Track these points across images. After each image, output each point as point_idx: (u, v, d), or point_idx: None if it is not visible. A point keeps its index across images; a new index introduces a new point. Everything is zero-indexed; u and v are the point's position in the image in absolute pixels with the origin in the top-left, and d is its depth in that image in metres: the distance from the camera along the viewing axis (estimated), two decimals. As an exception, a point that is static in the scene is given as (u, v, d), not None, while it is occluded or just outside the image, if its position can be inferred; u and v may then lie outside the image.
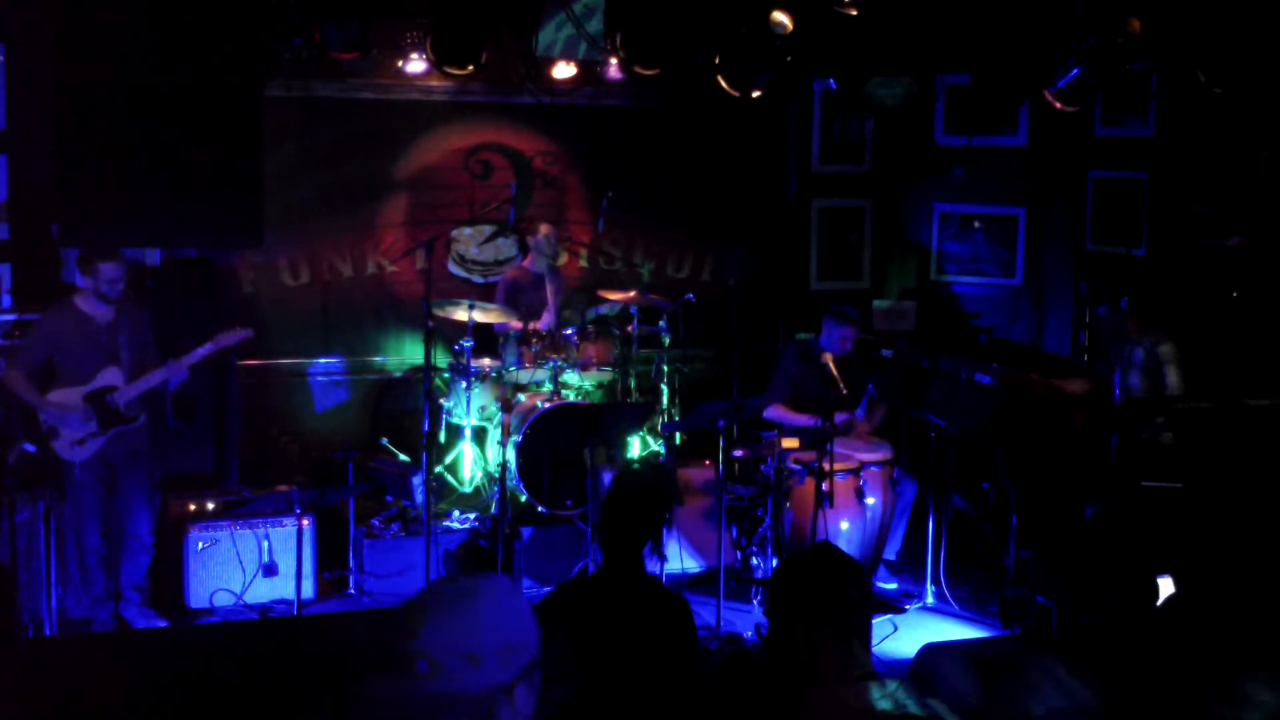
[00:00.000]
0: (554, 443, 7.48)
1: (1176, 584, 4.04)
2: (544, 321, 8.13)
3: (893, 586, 7.37)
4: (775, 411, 7.48)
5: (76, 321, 6.34)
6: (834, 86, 7.55)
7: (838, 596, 2.84)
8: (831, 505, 6.70)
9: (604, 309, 8.56)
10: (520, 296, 8.29)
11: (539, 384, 7.97)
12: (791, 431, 7.20)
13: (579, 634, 3.58)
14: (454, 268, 8.99)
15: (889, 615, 6.91)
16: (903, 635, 6.65)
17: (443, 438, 8.02)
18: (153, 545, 6.65)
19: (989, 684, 2.52)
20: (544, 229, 8.41)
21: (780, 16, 6.43)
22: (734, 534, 7.35)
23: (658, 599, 3.90)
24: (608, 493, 3.99)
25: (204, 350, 6.50)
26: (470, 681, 2.24)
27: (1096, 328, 7.51)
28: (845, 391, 7.00)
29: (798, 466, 6.93)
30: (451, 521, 7.52)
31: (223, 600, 6.85)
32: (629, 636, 3.69)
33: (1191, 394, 7.18)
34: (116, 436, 6.36)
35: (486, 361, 7.97)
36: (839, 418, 7.12)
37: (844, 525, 6.91)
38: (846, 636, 2.80)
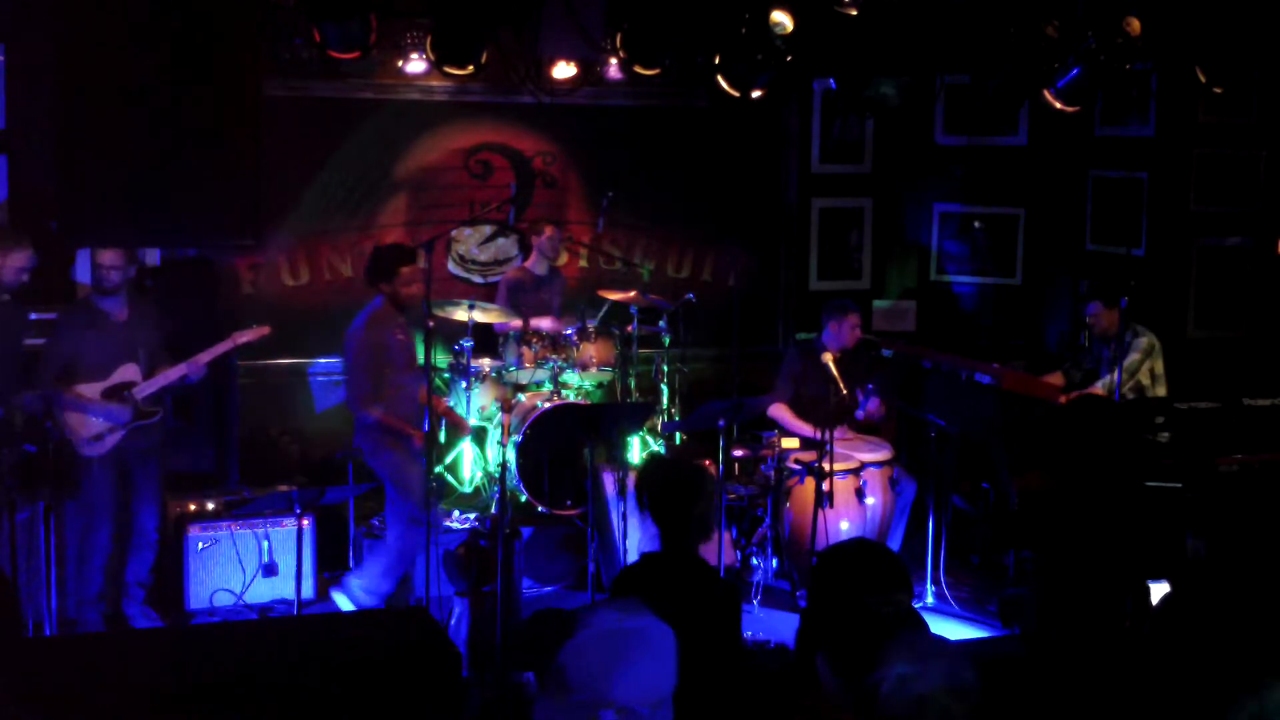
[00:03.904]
0: (554, 443, 7.48)
1: (1172, 586, 4.03)
2: (547, 323, 8.12)
3: (893, 586, 7.36)
4: (778, 412, 7.48)
5: (93, 318, 6.38)
6: (834, 86, 7.55)
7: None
8: (831, 505, 6.70)
9: (603, 312, 8.54)
10: (521, 297, 8.28)
11: (539, 384, 7.97)
12: (791, 432, 7.20)
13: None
14: (454, 268, 8.99)
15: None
16: (902, 635, 6.64)
17: (443, 438, 8.01)
18: (158, 542, 6.66)
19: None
20: (549, 230, 8.40)
21: (780, 16, 6.43)
22: (734, 534, 7.34)
23: (705, 582, 4.06)
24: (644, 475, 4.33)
25: (223, 346, 6.55)
26: None
27: (1087, 326, 7.53)
28: (845, 391, 7.00)
29: (798, 466, 6.93)
30: (451, 521, 7.52)
31: (223, 600, 6.85)
32: (672, 615, 3.80)
33: (1189, 393, 7.19)
34: (134, 432, 6.37)
35: (486, 361, 7.97)
36: (839, 434, 7.13)
37: (844, 525, 6.91)
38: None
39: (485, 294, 8.65)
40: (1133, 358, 7.24)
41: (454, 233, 8.89)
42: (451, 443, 8.02)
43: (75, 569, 6.48)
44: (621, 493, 6.74)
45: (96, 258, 6.36)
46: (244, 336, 6.63)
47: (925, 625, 2.94)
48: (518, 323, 7.97)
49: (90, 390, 6.30)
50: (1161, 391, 7.32)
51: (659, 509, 4.15)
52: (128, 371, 6.37)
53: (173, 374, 6.43)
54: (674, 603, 3.85)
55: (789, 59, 6.66)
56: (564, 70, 7.57)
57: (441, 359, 8.12)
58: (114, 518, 6.47)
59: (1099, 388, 7.29)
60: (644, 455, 8.13)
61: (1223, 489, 6.39)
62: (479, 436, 7.92)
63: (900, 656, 2.42)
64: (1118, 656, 4.08)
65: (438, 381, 8.04)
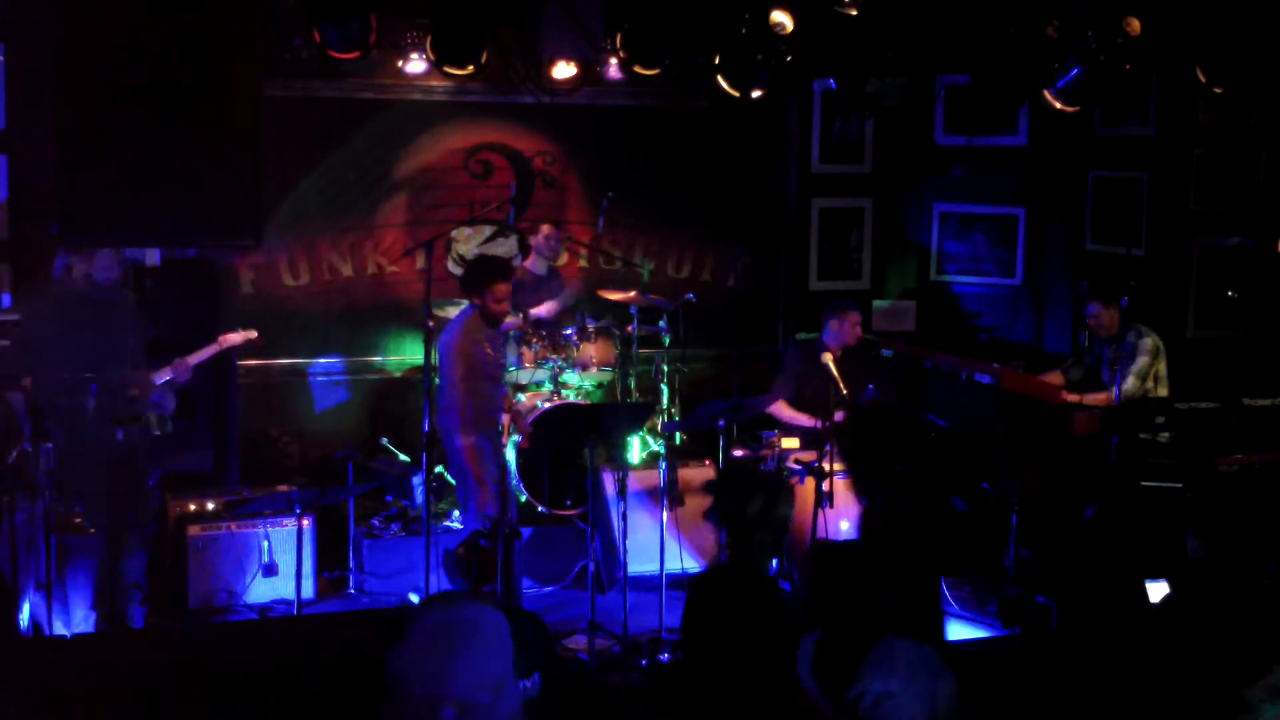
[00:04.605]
0: (554, 443, 7.48)
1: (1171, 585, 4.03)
2: (544, 310, 8.10)
3: (893, 586, 7.35)
4: (779, 410, 7.48)
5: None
6: (834, 86, 7.55)
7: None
8: (831, 505, 6.69)
9: (603, 323, 8.51)
10: (521, 297, 8.27)
11: (539, 384, 7.97)
12: (792, 431, 7.20)
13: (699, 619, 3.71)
14: (454, 268, 8.98)
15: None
16: (902, 635, 6.63)
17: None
18: (148, 542, 6.65)
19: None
20: (546, 229, 8.40)
21: (780, 16, 6.43)
22: (734, 534, 7.34)
23: (769, 605, 3.98)
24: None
25: (209, 351, 6.55)
26: (501, 710, 2.25)
27: (1088, 324, 7.53)
28: (845, 391, 7.00)
29: (798, 466, 6.92)
30: (451, 521, 7.52)
31: (223, 600, 6.85)
32: (731, 636, 3.77)
33: (1189, 393, 7.19)
34: (126, 434, 6.35)
35: (486, 361, 7.96)
36: (838, 416, 7.12)
37: (844, 525, 6.91)
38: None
39: (485, 294, 8.64)
40: (1142, 361, 7.22)
41: (454, 233, 8.89)
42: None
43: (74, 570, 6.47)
44: (622, 493, 6.74)
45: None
46: (231, 339, 6.63)
47: (912, 634, 2.93)
48: (518, 322, 7.96)
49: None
50: (1164, 392, 7.32)
51: (729, 520, 4.06)
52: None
53: (158, 379, 6.42)
54: (734, 624, 3.83)
55: (789, 59, 6.66)
56: (564, 70, 7.55)
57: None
58: (108, 519, 6.44)
59: (1109, 394, 7.25)
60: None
61: (1223, 489, 6.40)
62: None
63: (880, 671, 2.43)
64: (1118, 656, 4.09)
65: (437, 380, 8.04)
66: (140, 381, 6.32)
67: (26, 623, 6.11)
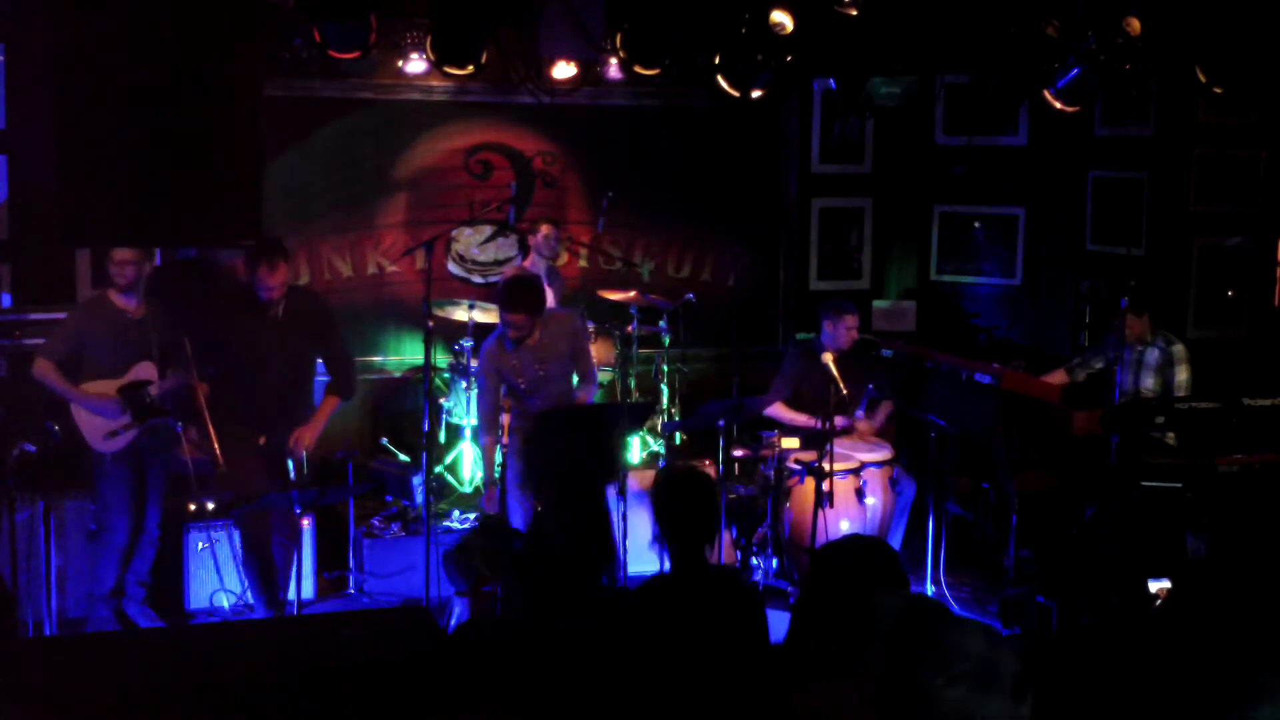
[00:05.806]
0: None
1: (1173, 582, 4.04)
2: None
3: (893, 586, 7.35)
4: (776, 410, 7.48)
5: (106, 316, 6.36)
6: (834, 86, 7.56)
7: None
8: (831, 505, 6.69)
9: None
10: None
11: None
12: (791, 431, 7.20)
13: (658, 629, 3.71)
14: (454, 268, 8.99)
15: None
16: (903, 635, 6.63)
17: (443, 438, 8.01)
18: (159, 540, 6.66)
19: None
20: (544, 229, 8.41)
21: (780, 16, 6.44)
22: (734, 534, 7.34)
23: (727, 592, 4.02)
24: (657, 493, 4.23)
25: None
26: None
27: (1117, 327, 7.48)
28: (845, 391, 7.00)
29: (798, 466, 6.93)
30: (451, 521, 7.52)
31: (223, 600, 6.85)
32: (699, 629, 3.78)
33: (1192, 394, 7.19)
34: (149, 429, 6.36)
35: (486, 361, 7.95)
36: (839, 423, 7.12)
37: (844, 525, 6.91)
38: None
39: (485, 294, 8.65)
40: (1182, 373, 7.21)
41: (454, 233, 8.89)
42: (451, 443, 8.02)
43: (88, 565, 6.47)
44: (622, 492, 6.74)
45: (112, 254, 6.36)
46: None
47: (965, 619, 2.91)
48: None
49: (105, 387, 6.28)
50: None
51: (676, 525, 4.05)
52: (144, 370, 6.36)
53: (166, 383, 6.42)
54: (701, 619, 3.84)
55: (789, 59, 6.66)
56: (564, 70, 7.56)
57: (441, 359, 8.12)
58: (131, 514, 6.46)
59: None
60: (644, 463, 8.14)
61: (1223, 489, 6.41)
62: (479, 436, 7.90)
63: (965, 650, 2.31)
64: (1118, 654, 4.09)
65: (438, 381, 8.05)
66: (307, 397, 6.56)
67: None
